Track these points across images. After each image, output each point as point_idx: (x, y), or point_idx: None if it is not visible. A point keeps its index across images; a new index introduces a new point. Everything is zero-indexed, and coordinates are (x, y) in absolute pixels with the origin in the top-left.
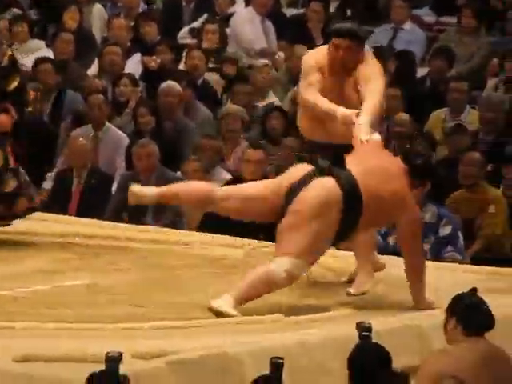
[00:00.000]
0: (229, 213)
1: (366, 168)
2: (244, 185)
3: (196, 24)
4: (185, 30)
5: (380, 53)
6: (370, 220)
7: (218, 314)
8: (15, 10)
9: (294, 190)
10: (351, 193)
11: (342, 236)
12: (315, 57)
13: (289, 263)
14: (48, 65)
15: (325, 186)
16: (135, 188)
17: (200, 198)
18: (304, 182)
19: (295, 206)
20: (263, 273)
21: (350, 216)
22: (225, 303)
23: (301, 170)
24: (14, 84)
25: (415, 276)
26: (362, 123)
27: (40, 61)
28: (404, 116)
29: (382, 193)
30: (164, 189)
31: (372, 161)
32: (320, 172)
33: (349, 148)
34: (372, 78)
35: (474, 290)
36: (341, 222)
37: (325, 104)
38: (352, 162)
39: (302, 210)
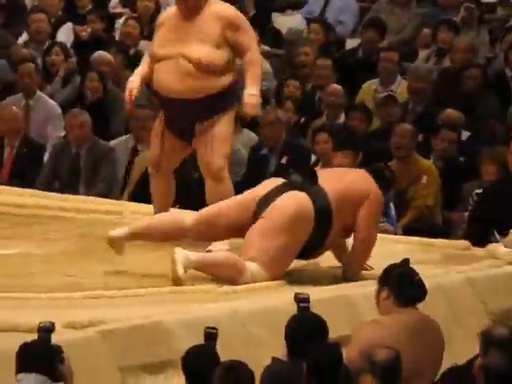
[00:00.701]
0: (202, 239)
1: (335, 180)
2: (212, 207)
3: None
4: None
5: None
6: (339, 233)
7: (172, 260)
8: None
9: (266, 200)
10: (323, 209)
11: (310, 251)
12: (164, 14)
13: (256, 270)
14: None
15: (298, 200)
16: (112, 233)
17: (172, 233)
18: (276, 193)
19: (268, 213)
20: (236, 261)
21: (320, 232)
22: (184, 258)
23: (273, 182)
24: None
25: (355, 255)
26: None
27: None
28: (337, 86)
29: (351, 198)
30: (137, 227)
31: (339, 172)
32: (292, 186)
33: (192, 103)
34: (245, 48)
35: (406, 261)
36: (310, 238)
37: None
38: (323, 177)
39: (275, 218)
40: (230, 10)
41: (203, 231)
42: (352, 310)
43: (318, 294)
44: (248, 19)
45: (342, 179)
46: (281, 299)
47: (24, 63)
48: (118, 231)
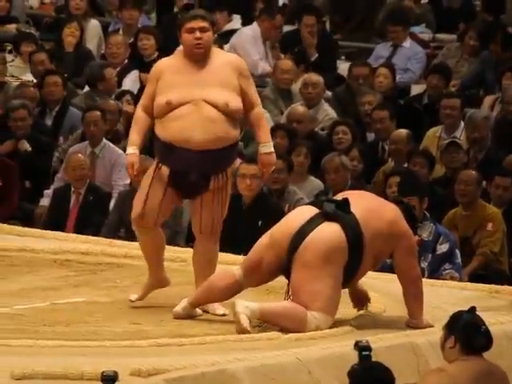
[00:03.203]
0: (255, 286)
1: (366, 208)
2: (251, 252)
3: None
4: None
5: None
6: (372, 260)
7: (234, 313)
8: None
9: (299, 235)
10: (355, 238)
11: (346, 280)
12: (161, 63)
13: (321, 319)
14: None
15: (329, 234)
16: (175, 311)
17: (230, 288)
18: (310, 226)
19: (303, 256)
20: (301, 312)
21: (354, 261)
22: (246, 310)
23: (306, 212)
24: None
25: (413, 300)
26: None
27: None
28: (400, 133)
29: (382, 229)
30: (195, 296)
31: (368, 198)
32: (325, 216)
33: (211, 154)
34: (255, 101)
35: (473, 309)
36: (345, 267)
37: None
38: (354, 204)
39: (311, 260)
40: (241, 60)
41: (253, 278)
42: (417, 358)
43: (383, 341)
44: (309, 63)
45: (375, 209)
46: (346, 346)
47: (89, 111)
48: (179, 306)
